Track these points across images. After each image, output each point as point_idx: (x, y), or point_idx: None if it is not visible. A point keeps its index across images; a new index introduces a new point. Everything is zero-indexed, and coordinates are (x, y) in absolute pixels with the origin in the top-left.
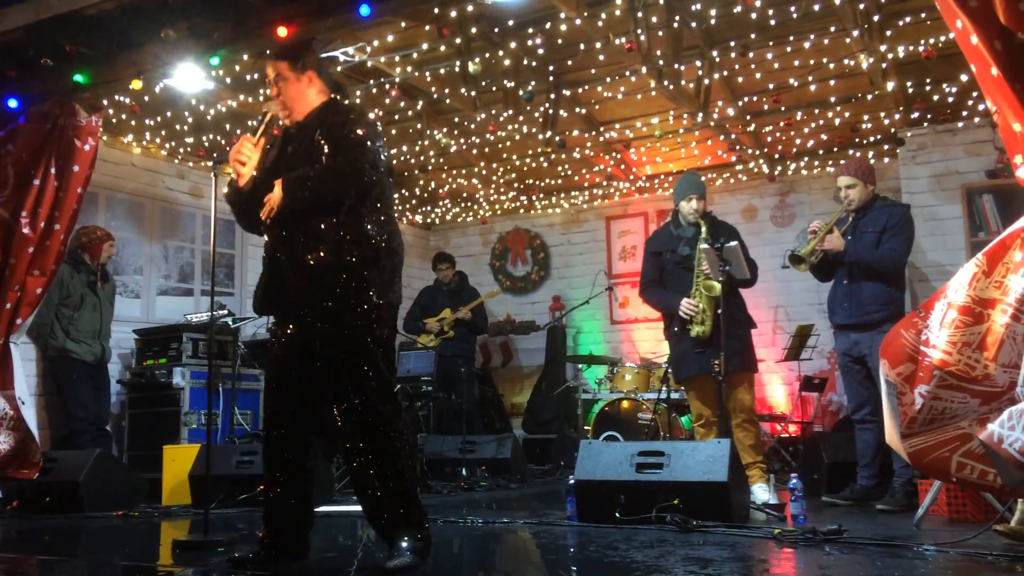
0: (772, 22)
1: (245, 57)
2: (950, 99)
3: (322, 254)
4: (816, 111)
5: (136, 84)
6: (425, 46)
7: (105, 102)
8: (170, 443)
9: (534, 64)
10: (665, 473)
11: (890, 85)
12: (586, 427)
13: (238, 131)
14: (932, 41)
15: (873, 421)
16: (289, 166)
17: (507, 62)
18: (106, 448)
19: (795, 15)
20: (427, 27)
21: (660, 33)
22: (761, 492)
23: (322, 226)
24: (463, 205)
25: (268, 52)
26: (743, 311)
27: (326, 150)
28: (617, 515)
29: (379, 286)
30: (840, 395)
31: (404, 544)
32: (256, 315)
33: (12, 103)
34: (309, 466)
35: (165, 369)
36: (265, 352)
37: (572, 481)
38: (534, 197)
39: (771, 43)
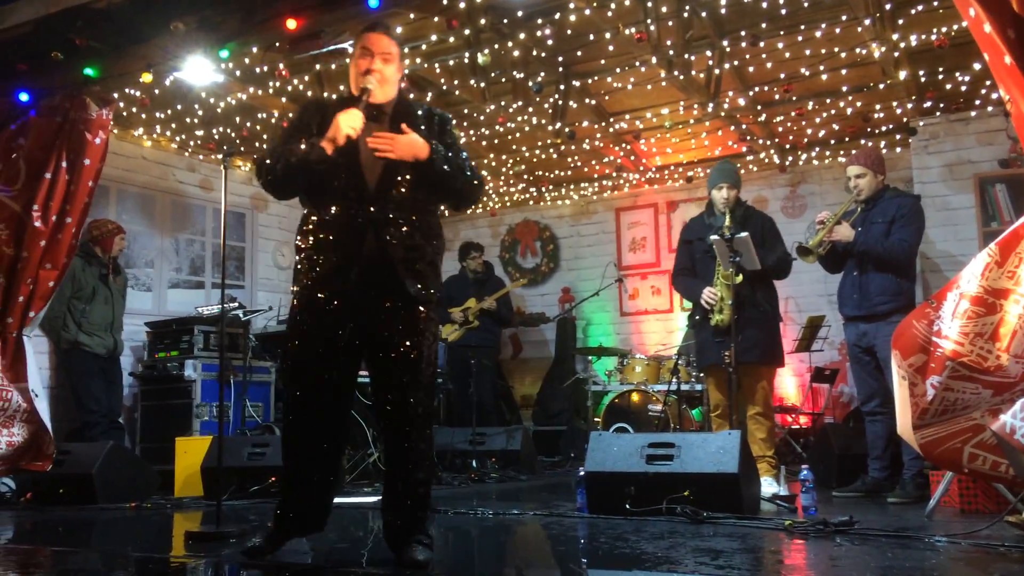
0: (783, 11)
1: (255, 50)
2: (963, 88)
3: (417, 239)
4: (827, 101)
5: (146, 77)
6: (434, 37)
7: (115, 95)
8: (182, 435)
9: (543, 55)
10: (675, 465)
11: (902, 74)
12: (596, 419)
13: (248, 123)
14: (944, 30)
15: (883, 412)
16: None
17: (516, 53)
18: (119, 440)
19: (806, 4)
20: (436, 18)
21: (670, 23)
22: (767, 486)
23: (417, 211)
24: None
25: (377, 25)
26: (771, 303)
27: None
28: (627, 507)
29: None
30: (851, 386)
31: (422, 540)
32: (297, 290)
33: (23, 97)
34: (343, 444)
35: (177, 362)
36: (276, 344)
37: (582, 473)
38: (543, 189)
39: (782, 32)
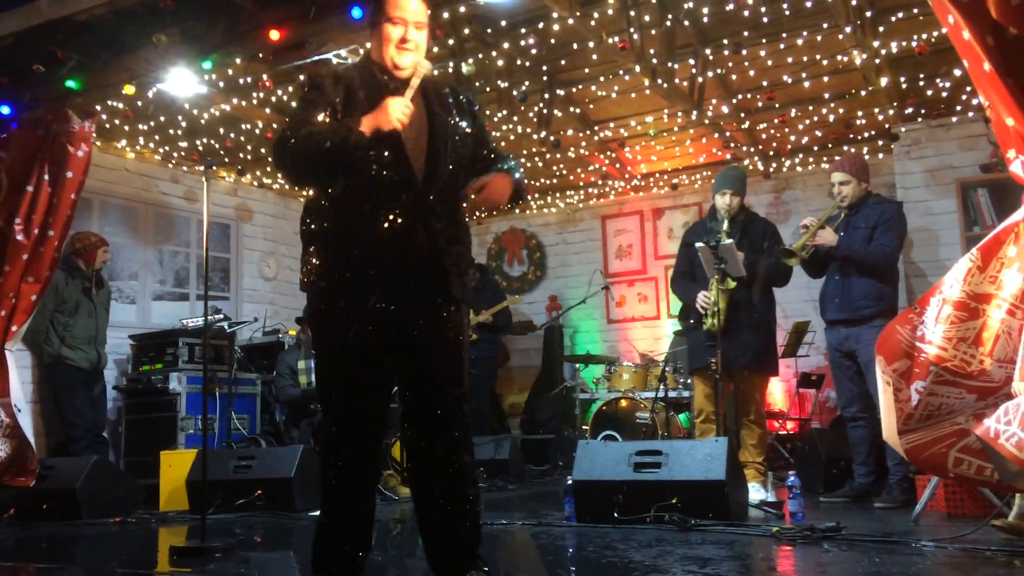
0: (765, 19)
1: (238, 61)
2: (944, 94)
3: (456, 231)
4: (810, 108)
5: (129, 89)
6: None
7: (98, 107)
8: (167, 449)
9: (527, 64)
10: (663, 472)
11: (883, 81)
12: (584, 427)
13: (231, 135)
14: (925, 36)
15: (864, 417)
16: (427, 136)
17: (500, 62)
18: (103, 454)
19: (787, 12)
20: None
21: (653, 32)
22: (755, 492)
23: (455, 200)
24: None
25: None
26: (768, 310)
27: (466, 128)
28: (615, 515)
29: None
30: None
31: (483, 568)
32: (326, 286)
33: (4, 110)
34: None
35: (161, 374)
36: (261, 356)
37: (570, 482)
38: (529, 197)
39: (764, 40)
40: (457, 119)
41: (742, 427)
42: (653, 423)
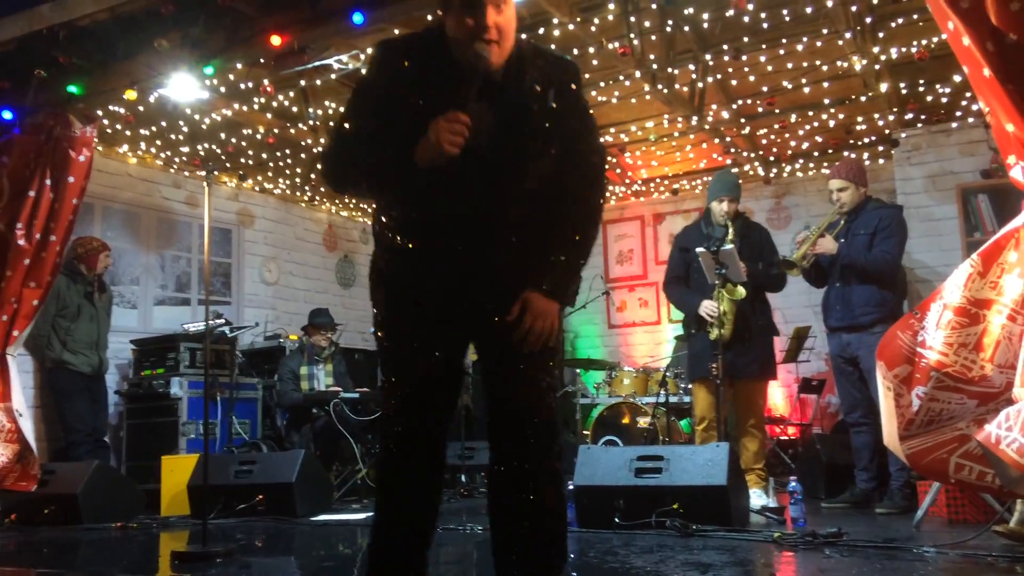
0: (764, 25)
1: (239, 66)
2: (944, 100)
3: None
4: (810, 113)
5: (130, 94)
6: None
7: (100, 112)
8: (168, 453)
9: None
10: (664, 478)
11: (883, 86)
12: (585, 432)
13: (233, 139)
14: (924, 42)
15: (867, 423)
16: (498, 137)
17: None
18: (104, 459)
19: (787, 18)
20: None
21: (653, 37)
22: (756, 498)
23: (541, 200)
24: None
25: None
26: (767, 317)
27: (550, 125)
28: (616, 520)
29: None
30: (838, 397)
31: None
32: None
33: (6, 115)
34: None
35: (163, 379)
36: (262, 360)
37: (571, 487)
38: None
39: (764, 46)
40: (549, 109)
41: (743, 433)
42: (654, 428)
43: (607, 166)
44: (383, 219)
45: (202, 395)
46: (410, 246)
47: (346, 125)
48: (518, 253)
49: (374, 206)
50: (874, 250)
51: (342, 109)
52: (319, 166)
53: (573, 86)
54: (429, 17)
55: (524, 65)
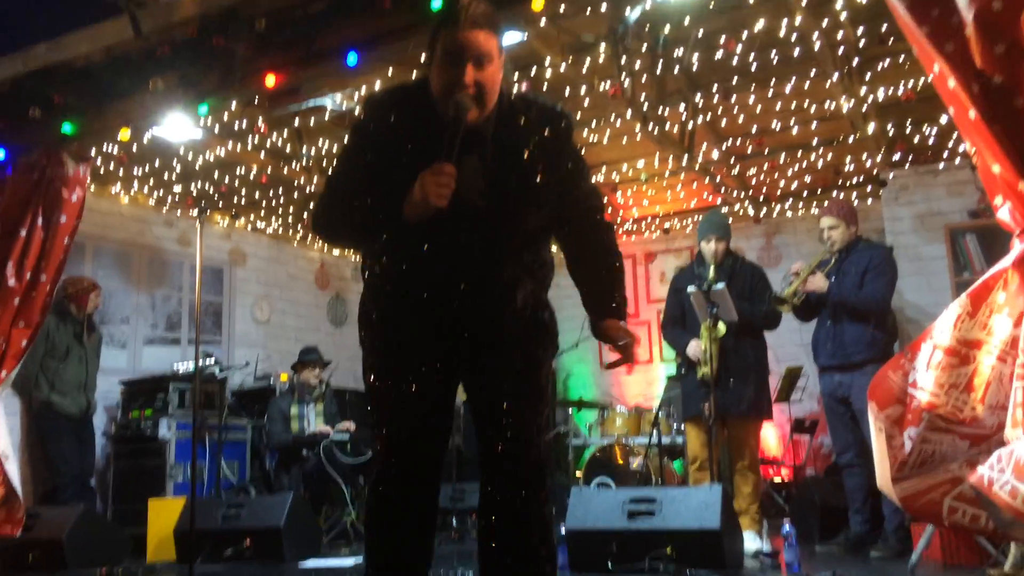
0: (753, 67)
1: (234, 105)
2: (931, 140)
3: (540, 297)
4: (799, 153)
5: (124, 134)
6: None
7: (93, 152)
8: (155, 496)
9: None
10: (657, 520)
11: (871, 127)
12: (577, 473)
13: (226, 178)
14: (911, 84)
15: (859, 464)
16: (486, 186)
17: None
18: (90, 503)
19: (775, 60)
20: (414, 74)
21: (644, 78)
22: (750, 541)
23: (538, 253)
24: None
25: (463, 15)
26: (758, 355)
27: (541, 179)
28: (609, 565)
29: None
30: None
31: None
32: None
33: (0, 154)
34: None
35: (151, 421)
36: (252, 401)
37: (563, 531)
38: None
39: (753, 87)
40: (536, 158)
41: (736, 474)
42: (647, 469)
43: (618, 256)
44: (375, 269)
45: (190, 437)
46: (401, 297)
47: (337, 182)
48: (512, 296)
49: (363, 253)
50: (864, 289)
51: (335, 164)
52: (310, 219)
53: (564, 132)
54: (423, 56)
55: (515, 116)
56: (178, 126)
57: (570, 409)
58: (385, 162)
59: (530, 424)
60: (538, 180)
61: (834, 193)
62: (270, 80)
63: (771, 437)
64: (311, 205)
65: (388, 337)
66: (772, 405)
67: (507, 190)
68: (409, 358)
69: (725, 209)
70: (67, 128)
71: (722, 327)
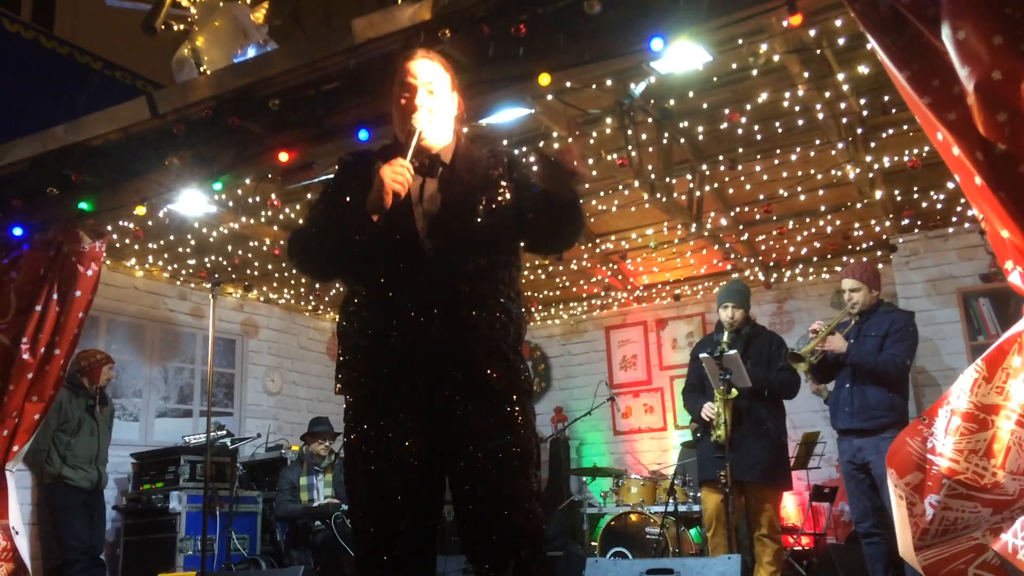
0: (758, 136)
1: (247, 181)
2: (939, 206)
3: (497, 316)
4: (807, 220)
5: (140, 210)
6: None
7: (109, 228)
8: (165, 571)
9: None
10: None
11: (878, 194)
12: (593, 543)
13: (239, 251)
14: (916, 151)
15: (878, 533)
16: (446, 211)
17: None
18: None
19: (780, 130)
20: None
21: (650, 149)
22: None
23: (497, 281)
24: None
25: (415, 48)
26: (776, 422)
27: (505, 193)
28: None
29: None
30: None
31: None
32: (343, 387)
33: (17, 231)
34: None
35: (162, 493)
36: (264, 472)
37: None
38: (533, 309)
39: (758, 156)
40: (495, 183)
41: (755, 542)
42: (663, 539)
43: (577, 216)
44: (348, 311)
45: (201, 509)
46: (370, 332)
47: (312, 214)
48: (477, 329)
49: (340, 307)
50: (884, 353)
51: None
52: (287, 245)
53: (512, 160)
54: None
55: (470, 156)
56: (193, 202)
57: (584, 477)
58: (356, 199)
59: (521, 489)
60: (492, 207)
61: (844, 258)
62: (283, 157)
63: (790, 504)
64: (286, 242)
65: (356, 393)
66: (791, 474)
67: (466, 207)
68: (388, 427)
69: (735, 275)
70: (84, 205)
71: (733, 390)
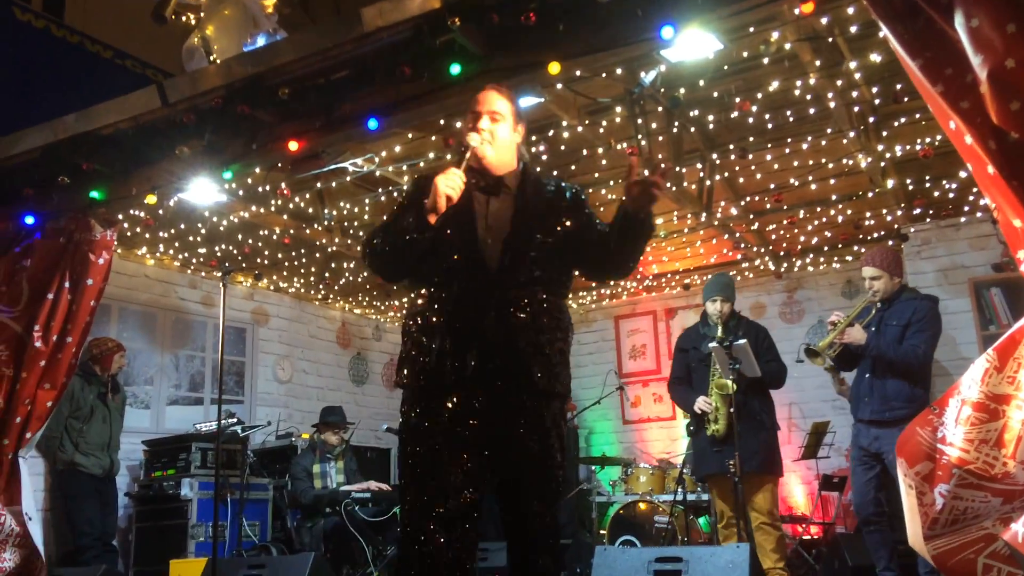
0: (769, 125)
1: (257, 170)
2: (951, 195)
3: (545, 321)
4: (818, 209)
5: (151, 199)
6: (432, 155)
7: (120, 216)
8: (177, 557)
9: (538, 169)
10: None
11: (890, 183)
12: (601, 531)
13: (250, 240)
14: (928, 140)
15: (876, 521)
16: (507, 226)
17: None
18: (112, 564)
19: (791, 119)
20: (433, 137)
21: (660, 138)
22: None
23: (547, 291)
24: None
25: (488, 82)
26: (767, 412)
27: (565, 220)
28: None
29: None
30: None
31: None
32: (406, 383)
33: (29, 220)
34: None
35: (173, 480)
36: (274, 460)
37: None
38: None
39: (769, 145)
40: (558, 210)
41: (756, 531)
42: (672, 527)
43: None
44: (412, 311)
45: (212, 496)
46: (429, 330)
47: (387, 219)
48: (525, 331)
49: (405, 311)
50: (904, 344)
51: (356, 210)
52: (364, 254)
53: (578, 195)
54: (442, 121)
55: (536, 180)
56: (203, 191)
57: (593, 466)
58: (418, 206)
59: (552, 488)
60: (552, 230)
61: (855, 247)
62: (293, 146)
63: (799, 494)
64: (332, 264)
65: (414, 387)
66: (782, 462)
67: (528, 227)
68: (445, 432)
69: (746, 264)
70: (95, 194)
71: (729, 384)
